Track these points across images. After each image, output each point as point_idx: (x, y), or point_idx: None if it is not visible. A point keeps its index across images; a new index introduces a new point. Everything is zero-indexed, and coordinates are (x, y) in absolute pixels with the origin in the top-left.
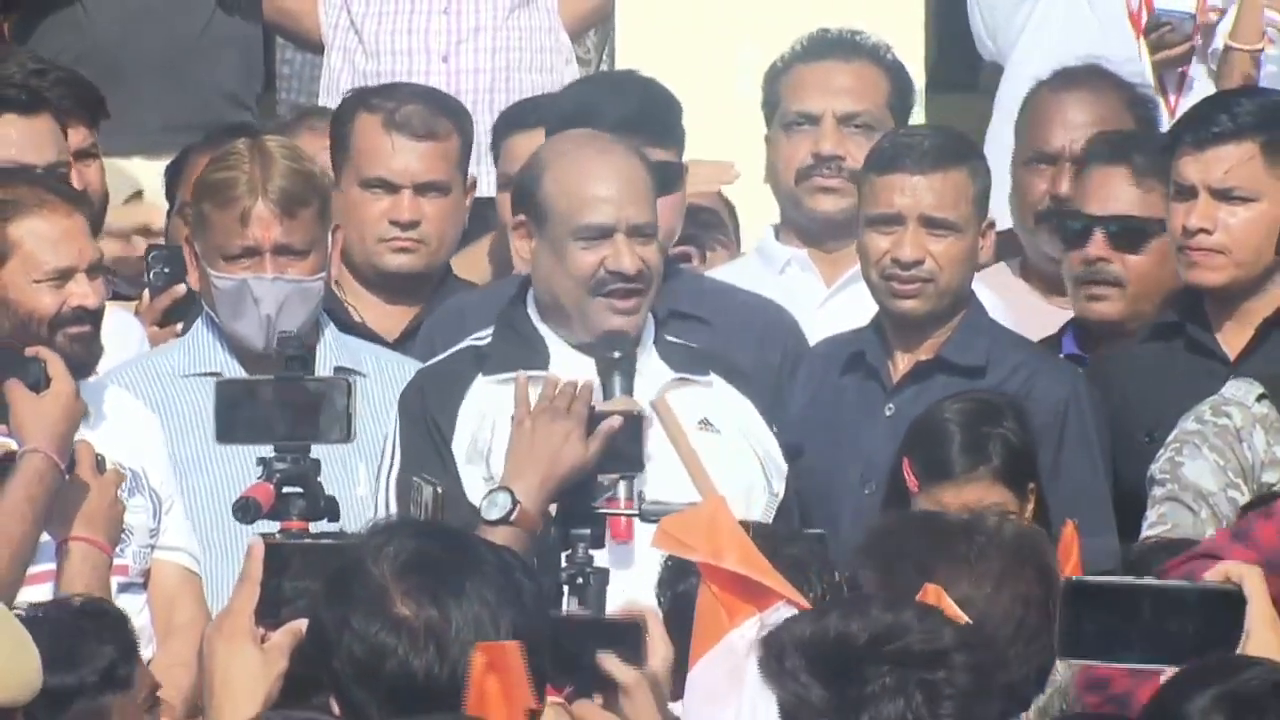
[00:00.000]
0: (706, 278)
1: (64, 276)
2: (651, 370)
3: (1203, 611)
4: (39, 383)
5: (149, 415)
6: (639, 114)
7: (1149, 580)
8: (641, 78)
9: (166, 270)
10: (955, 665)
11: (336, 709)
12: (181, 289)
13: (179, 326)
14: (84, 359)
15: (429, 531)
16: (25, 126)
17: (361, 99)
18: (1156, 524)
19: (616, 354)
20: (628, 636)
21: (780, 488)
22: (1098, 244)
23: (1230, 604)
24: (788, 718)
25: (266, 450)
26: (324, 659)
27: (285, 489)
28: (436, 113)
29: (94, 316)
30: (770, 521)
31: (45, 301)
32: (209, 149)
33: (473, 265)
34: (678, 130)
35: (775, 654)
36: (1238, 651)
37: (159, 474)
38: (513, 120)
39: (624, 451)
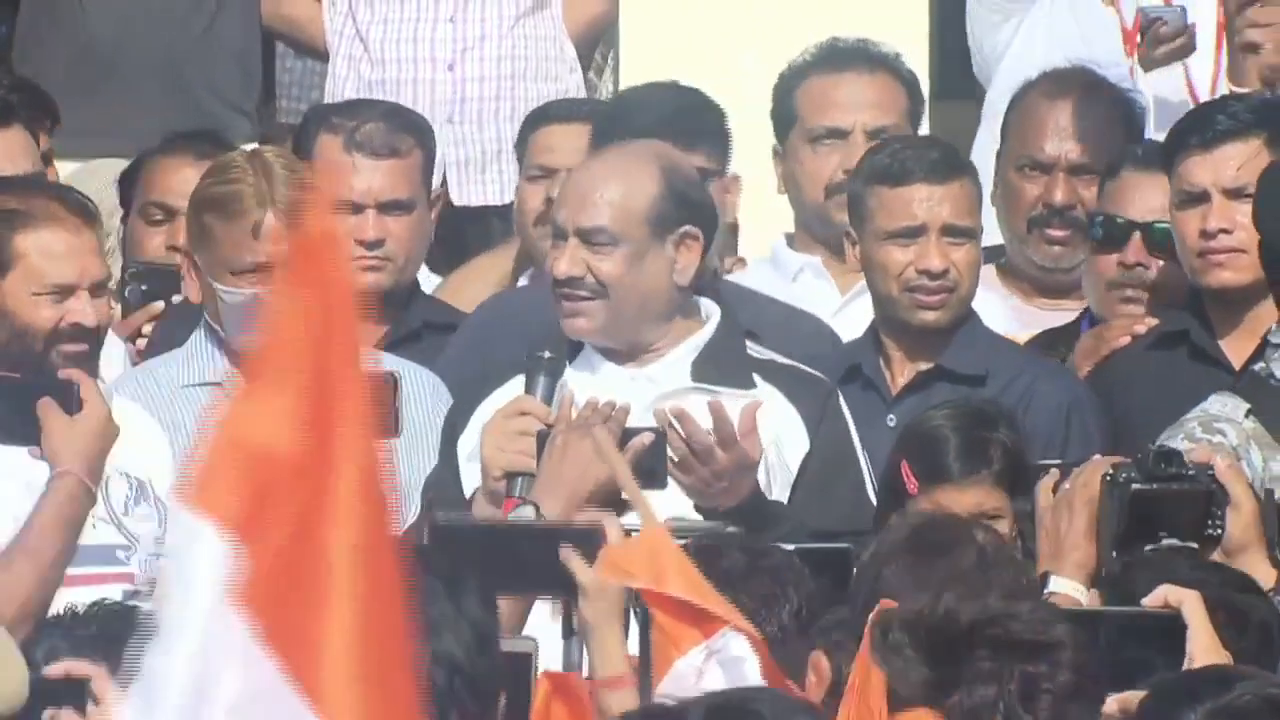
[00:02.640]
0: (746, 289)
1: (64, 292)
2: (668, 378)
3: (1144, 637)
4: (72, 405)
5: (155, 426)
6: (673, 116)
7: (1093, 607)
8: (684, 86)
9: (144, 288)
10: (1059, 661)
11: None
12: (159, 307)
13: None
14: None
15: None
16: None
17: (322, 118)
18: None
19: (546, 354)
20: (589, 542)
21: (784, 498)
22: None
23: (1170, 629)
24: (893, 694)
25: None
26: None
27: None
28: (397, 129)
29: (91, 336)
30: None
31: (43, 315)
32: (163, 154)
33: (484, 276)
34: (714, 137)
35: (883, 629)
36: None
37: (165, 484)
38: (544, 114)
39: (647, 468)
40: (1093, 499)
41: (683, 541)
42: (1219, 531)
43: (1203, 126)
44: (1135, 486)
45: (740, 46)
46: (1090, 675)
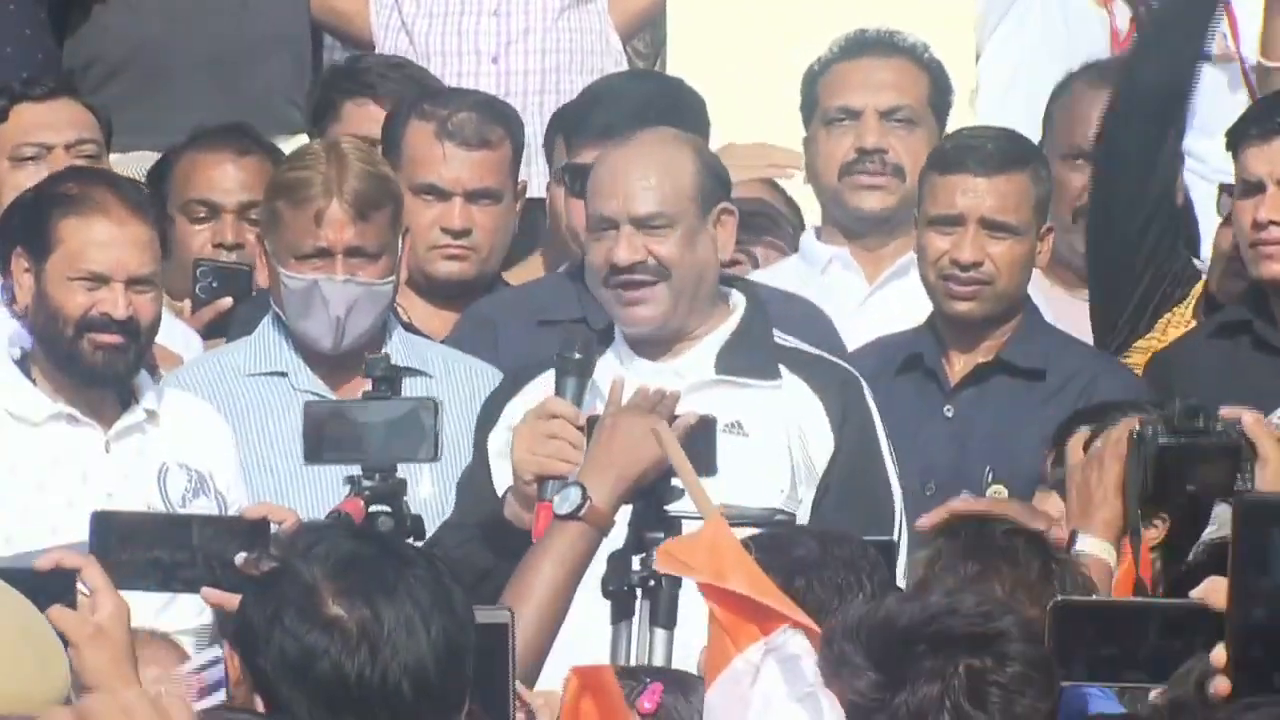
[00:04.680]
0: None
1: (98, 280)
2: (693, 370)
3: (1190, 630)
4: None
5: (219, 419)
6: (645, 107)
7: (1134, 599)
8: (664, 76)
9: (214, 285)
10: (1006, 654)
11: (261, 707)
12: (228, 302)
13: (223, 342)
14: (112, 370)
15: (359, 533)
16: (41, 110)
17: (414, 105)
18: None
19: (578, 355)
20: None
21: (808, 495)
22: None
23: (1216, 624)
24: (849, 708)
25: (354, 469)
26: (250, 658)
27: (373, 507)
28: (489, 120)
29: (127, 328)
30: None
31: (75, 301)
32: (199, 150)
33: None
34: (692, 127)
35: (828, 640)
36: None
37: (226, 478)
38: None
39: (697, 454)
40: (1122, 456)
41: (752, 532)
42: (1248, 487)
43: (1262, 117)
44: (1162, 441)
45: (787, 41)
46: (1041, 666)
